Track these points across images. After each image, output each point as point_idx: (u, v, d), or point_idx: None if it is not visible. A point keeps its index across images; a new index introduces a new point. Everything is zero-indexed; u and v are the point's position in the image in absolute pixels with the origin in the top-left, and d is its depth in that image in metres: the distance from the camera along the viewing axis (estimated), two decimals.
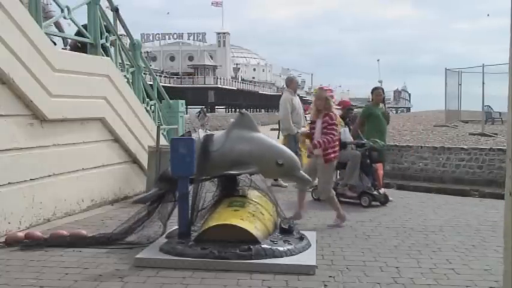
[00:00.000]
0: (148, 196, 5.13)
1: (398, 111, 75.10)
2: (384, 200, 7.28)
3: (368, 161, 7.33)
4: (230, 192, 4.94)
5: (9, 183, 5.26)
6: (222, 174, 4.77)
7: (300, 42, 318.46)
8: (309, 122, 5.97)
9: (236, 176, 4.94)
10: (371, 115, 8.04)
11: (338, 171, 7.71)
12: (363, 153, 7.31)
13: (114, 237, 4.88)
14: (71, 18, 6.70)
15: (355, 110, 12.38)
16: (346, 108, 7.86)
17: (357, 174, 7.25)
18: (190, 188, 4.73)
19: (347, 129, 7.64)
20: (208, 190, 5.01)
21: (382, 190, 7.41)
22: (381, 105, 8.21)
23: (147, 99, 8.90)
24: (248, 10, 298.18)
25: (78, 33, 7.15)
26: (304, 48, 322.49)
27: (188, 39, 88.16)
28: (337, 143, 5.83)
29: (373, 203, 7.21)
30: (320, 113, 5.73)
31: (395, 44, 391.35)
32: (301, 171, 4.87)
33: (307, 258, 4.28)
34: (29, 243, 4.78)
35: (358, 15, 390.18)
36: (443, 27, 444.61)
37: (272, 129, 25.94)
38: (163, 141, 7.64)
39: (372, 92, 8.30)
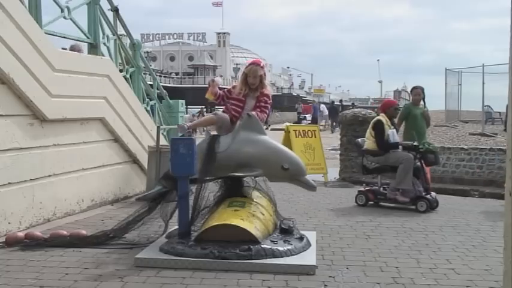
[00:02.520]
0: (152, 194, 5.13)
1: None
2: (436, 205, 6.91)
3: (418, 163, 7.00)
4: (233, 193, 4.93)
5: (9, 183, 5.26)
6: (227, 176, 4.77)
7: (299, 42, 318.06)
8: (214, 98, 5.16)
9: (241, 178, 4.94)
10: (409, 115, 7.76)
11: (380, 175, 7.40)
12: (414, 156, 6.98)
13: (114, 233, 4.88)
14: (71, 19, 6.70)
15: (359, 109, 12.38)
16: (393, 107, 7.38)
17: (410, 178, 6.84)
18: (193, 188, 4.73)
19: (395, 130, 7.21)
20: (211, 191, 5.01)
21: (433, 194, 7.06)
22: (421, 105, 7.92)
23: (147, 99, 8.91)
24: (246, 10, 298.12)
25: None
26: (303, 48, 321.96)
27: (188, 39, 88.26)
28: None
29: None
30: (252, 91, 5.08)
31: (395, 44, 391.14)
32: (306, 177, 4.85)
33: (307, 258, 4.28)
34: (29, 243, 4.77)
35: (357, 14, 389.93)
36: (443, 27, 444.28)
37: (272, 129, 25.97)
38: (163, 141, 7.65)
39: (410, 92, 7.94)
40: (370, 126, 7.36)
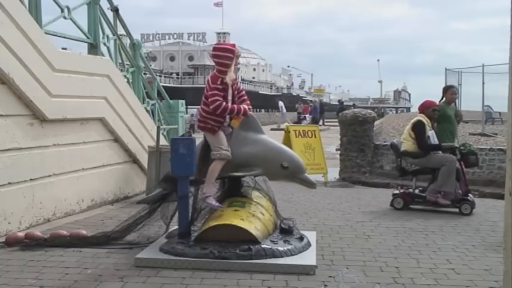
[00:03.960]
0: (152, 197, 5.13)
1: (398, 111, 74.97)
2: (474, 207, 6.74)
3: (457, 165, 6.75)
4: (233, 193, 4.94)
5: (9, 183, 5.26)
6: (227, 176, 4.76)
7: (298, 42, 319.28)
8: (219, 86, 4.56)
9: (240, 178, 4.94)
10: (443, 116, 7.34)
11: (415, 177, 7.17)
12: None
13: (114, 235, 4.89)
14: (71, 19, 6.70)
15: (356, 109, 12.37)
16: (432, 108, 7.10)
17: (453, 180, 6.66)
18: (192, 188, 4.73)
19: (433, 132, 7.01)
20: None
21: (471, 196, 6.92)
22: (452, 105, 7.65)
23: (147, 99, 8.90)
24: (245, 9, 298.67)
25: None
26: (302, 48, 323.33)
27: (188, 39, 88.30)
28: None
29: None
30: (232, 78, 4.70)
31: (394, 44, 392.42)
32: (306, 174, 4.85)
33: (307, 258, 4.28)
34: (29, 243, 4.78)
35: (355, 14, 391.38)
36: (442, 27, 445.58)
37: (272, 129, 26.00)
38: (163, 141, 7.64)
39: (445, 91, 7.65)
40: (409, 127, 7.10)
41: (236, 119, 4.72)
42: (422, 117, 7.05)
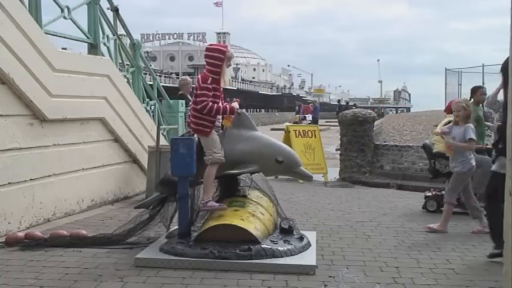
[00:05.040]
0: (150, 201, 5.11)
1: (398, 111, 74.94)
2: None
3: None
4: (231, 192, 4.94)
5: (9, 183, 5.26)
6: (222, 175, 4.77)
7: (297, 42, 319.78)
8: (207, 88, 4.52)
9: (237, 176, 4.94)
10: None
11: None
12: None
13: (114, 238, 4.88)
14: (71, 19, 6.70)
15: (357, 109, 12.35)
16: None
17: None
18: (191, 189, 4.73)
19: None
20: None
21: None
22: (481, 105, 7.36)
23: (147, 99, 8.90)
24: (245, 9, 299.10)
25: None
26: (302, 48, 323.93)
27: (188, 39, 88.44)
28: None
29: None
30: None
31: (393, 44, 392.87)
32: (302, 167, 4.87)
33: (307, 258, 4.28)
34: (29, 243, 4.78)
35: (354, 14, 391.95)
36: (441, 27, 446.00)
37: (272, 129, 26.06)
38: (163, 141, 7.65)
39: (473, 91, 7.42)
40: (440, 128, 6.78)
41: (227, 118, 4.72)
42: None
